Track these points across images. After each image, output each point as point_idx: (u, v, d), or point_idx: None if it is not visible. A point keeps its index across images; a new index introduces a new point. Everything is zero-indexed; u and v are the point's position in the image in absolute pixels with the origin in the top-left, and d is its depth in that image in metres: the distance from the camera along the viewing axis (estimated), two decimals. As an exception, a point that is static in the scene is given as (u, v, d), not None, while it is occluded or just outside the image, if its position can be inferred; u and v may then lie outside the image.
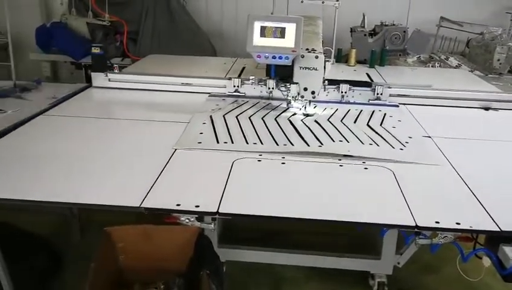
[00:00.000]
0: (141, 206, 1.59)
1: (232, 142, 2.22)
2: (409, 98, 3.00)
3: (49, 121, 2.41)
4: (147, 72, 3.28)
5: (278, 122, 2.51)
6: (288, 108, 2.70)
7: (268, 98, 2.88)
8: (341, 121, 2.59)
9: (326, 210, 1.62)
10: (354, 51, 4.18)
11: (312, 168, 1.95)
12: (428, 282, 3.03)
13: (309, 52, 2.50)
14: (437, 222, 1.51)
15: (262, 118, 2.56)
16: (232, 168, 1.90)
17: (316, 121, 2.53)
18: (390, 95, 2.98)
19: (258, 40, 2.39)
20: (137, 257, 2.67)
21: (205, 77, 3.14)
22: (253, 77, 2.92)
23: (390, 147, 2.22)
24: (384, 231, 2.45)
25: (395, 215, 1.58)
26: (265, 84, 2.82)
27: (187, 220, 1.64)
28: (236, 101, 2.89)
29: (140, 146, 2.16)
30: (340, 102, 2.91)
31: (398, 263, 2.90)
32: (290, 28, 2.37)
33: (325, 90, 2.89)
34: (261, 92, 2.93)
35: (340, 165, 1.96)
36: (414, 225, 1.50)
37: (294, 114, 2.64)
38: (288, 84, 2.60)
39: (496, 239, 1.54)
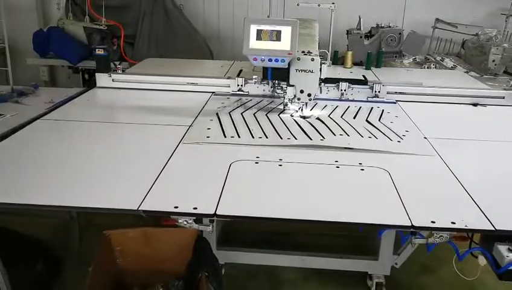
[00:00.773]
0: (139, 209, 1.59)
1: (239, 136, 2.35)
2: (405, 95, 3.12)
3: (47, 125, 2.42)
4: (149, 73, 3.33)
5: (281, 119, 2.63)
6: (284, 110, 2.71)
7: (271, 96, 3.03)
8: (341, 117, 2.69)
9: (324, 211, 1.64)
10: (350, 53, 4.21)
11: (309, 170, 1.97)
12: (426, 282, 3.05)
13: (305, 54, 2.52)
14: (433, 222, 1.52)
15: (266, 115, 2.69)
16: (229, 170, 1.91)
17: (317, 118, 2.63)
18: (388, 93, 3.11)
19: (254, 43, 2.41)
20: (136, 260, 2.69)
21: (210, 77, 3.24)
22: (256, 76, 3.07)
23: (388, 140, 2.35)
24: (381, 231, 2.47)
25: (391, 215, 1.59)
26: (268, 83, 3.00)
27: (185, 222, 1.64)
28: (240, 99, 3.00)
29: (138, 148, 2.17)
30: (340, 99, 3.04)
31: (396, 264, 2.93)
32: (286, 31, 2.38)
33: (321, 92, 2.93)
34: (264, 90, 3.07)
35: (337, 167, 1.98)
36: (410, 224, 1.51)
37: (291, 115, 2.67)
38: (284, 86, 2.62)
39: (490, 238, 1.56)
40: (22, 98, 2.88)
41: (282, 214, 1.62)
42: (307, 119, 2.61)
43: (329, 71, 2.72)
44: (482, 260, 1.66)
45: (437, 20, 5.42)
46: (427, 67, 4.58)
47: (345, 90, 3.05)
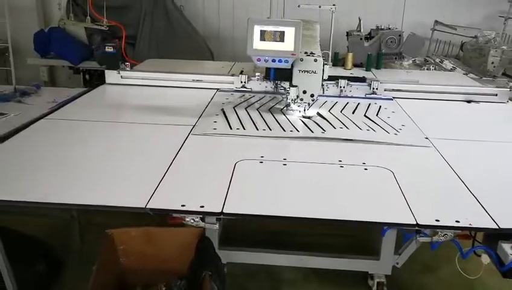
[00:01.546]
0: (146, 207, 1.60)
1: (244, 129, 2.46)
2: (400, 92, 3.25)
3: (51, 125, 2.43)
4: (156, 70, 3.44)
5: (283, 113, 2.73)
6: (287, 110, 2.73)
7: (273, 92, 3.15)
8: (341, 112, 2.82)
9: (329, 209, 1.65)
10: (350, 54, 4.23)
11: (313, 169, 1.98)
12: (427, 281, 3.07)
13: (308, 55, 2.54)
14: (437, 220, 1.54)
15: (269, 110, 2.80)
16: (234, 169, 1.92)
17: (317, 113, 2.71)
18: (385, 90, 3.23)
19: (258, 43, 2.43)
20: (139, 259, 2.70)
21: (214, 74, 3.38)
22: (258, 74, 3.18)
23: (386, 133, 2.48)
24: (385, 230, 2.49)
25: (396, 214, 1.61)
26: (270, 81, 3.11)
27: (192, 221, 1.66)
28: (243, 95, 3.11)
29: (145, 146, 2.19)
30: (339, 96, 3.14)
31: (397, 263, 2.94)
32: (290, 32, 2.40)
33: (323, 92, 2.96)
34: (266, 87, 3.19)
35: (341, 167, 1.99)
36: (415, 223, 1.53)
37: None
38: (287, 87, 2.63)
39: (494, 236, 1.58)
40: (24, 97, 2.89)
41: (288, 212, 1.63)
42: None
43: (330, 72, 2.76)
44: (485, 259, 1.68)
45: (436, 22, 5.46)
46: (427, 69, 4.61)
47: (343, 87, 3.16)
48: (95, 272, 2.32)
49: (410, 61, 4.79)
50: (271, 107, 2.84)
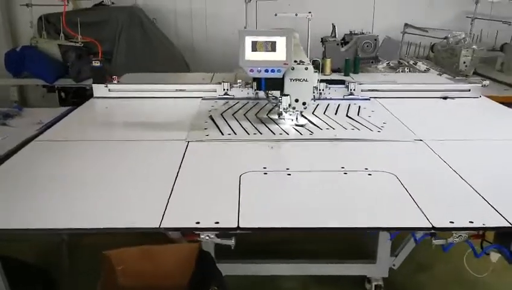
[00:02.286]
0: (161, 226, 1.57)
1: (235, 134, 2.55)
2: (378, 92, 3.39)
3: (43, 147, 2.35)
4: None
5: (270, 118, 2.83)
6: (279, 119, 2.74)
7: (255, 98, 3.26)
8: (324, 113, 2.93)
9: (342, 217, 1.66)
10: (329, 60, 4.28)
11: (317, 178, 1.99)
12: (424, 281, 3.12)
13: (298, 64, 2.55)
14: (451, 222, 1.56)
15: (255, 115, 2.92)
16: (240, 182, 1.91)
17: (302, 115, 2.76)
18: (362, 91, 3.37)
19: (249, 54, 2.43)
20: (138, 278, 2.64)
21: (197, 83, 3.51)
22: (240, 81, 3.30)
23: (369, 130, 2.61)
24: (392, 235, 2.52)
25: (409, 218, 1.63)
26: (252, 87, 3.09)
27: (207, 237, 1.63)
28: (227, 102, 3.22)
29: (144, 165, 2.14)
30: (319, 98, 3.22)
31: (394, 265, 2.98)
32: (281, 42, 2.41)
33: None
34: (248, 93, 3.30)
35: (345, 173, 2.01)
36: (430, 226, 1.55)
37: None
38: (279, 96, 2.64)
39: (506, 234, 1.62)
40: (8, 120, 2.80)
41: (303, 223, 1.63)
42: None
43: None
44: (494, 257, 1.72)
45: (406, 25, 5.60)
46: (402, 71, 4.72)
47: (323, 90, 3.24)
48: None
49: (385, 64, 4.88)
50: (257, 112, 2.95)
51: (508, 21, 5.46)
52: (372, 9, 6.15)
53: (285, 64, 2.43)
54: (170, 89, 3.36)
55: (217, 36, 6.01)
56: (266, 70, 2.44)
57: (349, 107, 3.09)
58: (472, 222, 1.56)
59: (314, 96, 2.81)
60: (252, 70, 2.45)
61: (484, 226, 1.55)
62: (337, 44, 4.54)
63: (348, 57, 4.33)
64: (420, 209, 1.66)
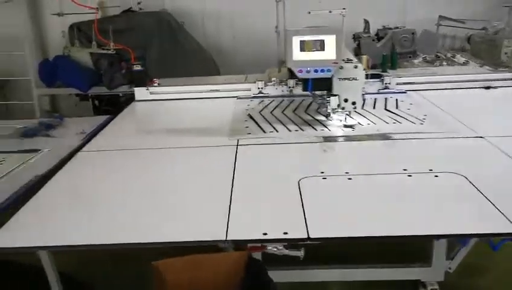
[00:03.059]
0: (227, 239, 1.50)
1: (277, 131, 2.56)
2: (414, 84, 3.37)
3: (90, 158, 2.31)
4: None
5: (315, 118, 2.76)
6: (326, 121, 2.64)
7: (290, 96, 3.27)
8: (362, 108, 2.87)
9: (418, 224, 1.56)
10: (365, 56, 4.14)
11: (380, 182, 1.89)
12: (484, 284, 2.97)
13: (346, 62, 2.45)
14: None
15: (293, 111, 2.92)
16: (300, 188, 1.82)
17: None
18: (397, 84, 3.35)
19: (298, 54, 2.34)
20: (187, 288, 2.58)
21: (232, 83, 3.52)
22: (274, 79, 3.33)
23: (412, 123, 2.58)
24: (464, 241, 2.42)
25: (491, 223, 1.52)
26: (286, 84, 3.29)
27: (275, 249, 1.55)
28: (262, 101, 3.23)
29: (195, 172, 2.08)
30: None
31: (449, 268, 2.85)
32: (330, 40, 2.33)
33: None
34: (282, 91, 3.33)
35: (409, 176, 1.90)
36: (517, 230, 1.44)
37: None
38: (327, 96, 2.55)
39: None
40: (50, 130, 2.77)
41: (373, 231, 1.54)
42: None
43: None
44: None
45: (440, 17, 5.42)
46: (439, 65, 4.56)
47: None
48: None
49: (421, 59, 4.74)
50: (295, 109, 2.96)
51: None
52: (403, 3, 5.99)
53: (334, 63, 2.34)
54: (206, 89, 3.43)
55: (245, 37, 5.94)
56: (315, 71, 2.36)
57: (386, 101, 3.08)
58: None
59: (363, 95, 2.70)
60: (300, 71, 2.37)
61: None
62: (373, 40, 4.41)
63: (385, 53, 4.20)
64: (502, 213, 1.54)
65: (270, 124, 2.68)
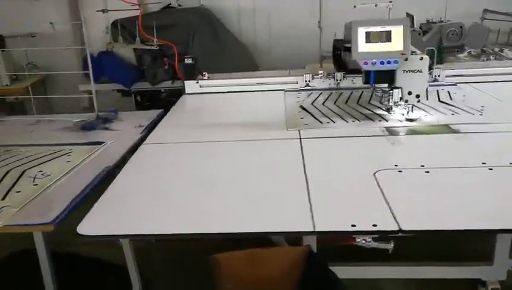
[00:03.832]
0: (315, 230, 1.47)
1: (334, 122, 2.56)
2: (463, 77, 3.33)
3: (156, 149, 2.30)
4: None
5: (374, 112, 2.70)
6: (387, 114, 2.59)
7: (337, 89, 3.28)
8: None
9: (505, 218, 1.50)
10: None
11: (461, 175, 1.83)
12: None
13: (411, 54, 2.40)
14: None
15: (345, 103, 2.93)
16: (377, 181, 1.78)
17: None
18: (446, 76, 3.33)
19: (363, 46, 2.30)
20: (244, 283, 2.55)
21: (279, 76, 3.52)
22: (321, 72, 3.35)
23: (470, 114, 2.55)
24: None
25: None
26: (333, 77, 3.31)
27: (363, 241, 1.51)
28: (311, 94, 3.23)
29: (264, 165, 2.05)
30: None
31: (512, 267, 2.77)
32: (397, 31, 2.28)
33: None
34: (329, 84, 3.33)
35: (490, 169, 1.84)
36: None
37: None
38: (389, 89, 2.49)
39: None
40: (108, 124, 2.78)
41: (462, 224, 1.48)
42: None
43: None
44: None
45: (485, 10, 5.30)
46: (487, 59, 4.45)
47: None
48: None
49: (466, 54, 4.64)
50: (346, 101, 2.95)
51: None
52: (444, -1, 5.87)
53: (402, 54, 2.29)
54: (253, 82, 3.46)
55: (281, 33, 5.90)
56: (382, 63, 2.31)
57: (438, 93, 3.03)
58: None
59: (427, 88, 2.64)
60: (366, 63, 2.32)
61: None
62: (419, 34, 4.32)
63: (431, 47, 4.11)
64: None
65: (326, 116, 2.67)
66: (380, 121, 2.54)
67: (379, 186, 1.74)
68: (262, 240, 2.01)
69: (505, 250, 2.71)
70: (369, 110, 2.75)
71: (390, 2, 4.00)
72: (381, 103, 2.77)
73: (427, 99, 2.58)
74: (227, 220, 1.59)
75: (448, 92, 3.05)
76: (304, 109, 2.85)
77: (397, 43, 2.28)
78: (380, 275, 2.89)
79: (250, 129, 2.52)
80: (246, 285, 2.58)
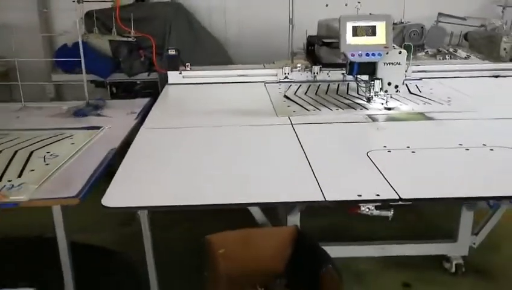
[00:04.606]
0: (326, 199, 1.64)
1: (320, 110, 2.76)
2: (427, 72, 3.66)
3: (156, 134, 2.40)
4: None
5: (364, 107, 2.84)
6: (367, 103, 2.81)
7: (314, 81, 3.47)
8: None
9: (492, 187, 1.74)
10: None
11: (443, 154, 2.08)
12: (502, 261, 3.16)
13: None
14: None
15: (326, 94, 3.15)
16: (371, 159, 1.98)
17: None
18: (413, 72, 3.55)
19: (350, 39, 2.50)
20: (237, 262, 2.68)
21: (259, 68, 3.71)
22: (300, 65, 3.56)
23: (440, 104, 2.84)
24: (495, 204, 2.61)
25: None
26: (311, 70, 3.50)
27: (367, 210, 1.70)
28: (291, 86, 3.41)
29: (262, 147, 2.22)
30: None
31: (474, 244, 3.04)
32: (381, 26, 2.49)
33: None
34: (307, 77, 3.53)
35: (466, 149, 2.09)
36: None
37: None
38: (370, 80, 2.71)
39: None
40: (100, 110, 2.84)
41: (456, 193, 1.71)
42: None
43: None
44: None
45: (440, 14, 5.68)
46: (442, 58, 4.80)
47: None
48: (208, 281, 2.32)
49: (423, 53, 4.97)
50: (325, 92, 3.17)
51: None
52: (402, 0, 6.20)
53: (385, 47, 2.50)
54: (234, 74, 3.63)
55: (250, 29, 6.03)
56: (367, 54, 2.52)
57: (407, 86, 3.24)
58: None
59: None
60: (353, 55, 2.52)
61: None
62: (384, 33, 4.60)
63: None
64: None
65: (311, 104, 2.86)
66: (361, 109, 2.76)
67: (374, 163, 1.94)
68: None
69: (467, 228, 2.98)
70: (349, 100, 2.96)
71: (359, 2, 4.27)
72: (358, 93, 3.00)
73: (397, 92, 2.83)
74: (247, 191, 1.74)
75: (416, 85, 3.32)
76: (288, 98, 3.03)
77: (381, 37, 2.50)
78: (355, 253, 3.10)
79: (244, 116, 2.66)
80: (239, 264, 2.71)
